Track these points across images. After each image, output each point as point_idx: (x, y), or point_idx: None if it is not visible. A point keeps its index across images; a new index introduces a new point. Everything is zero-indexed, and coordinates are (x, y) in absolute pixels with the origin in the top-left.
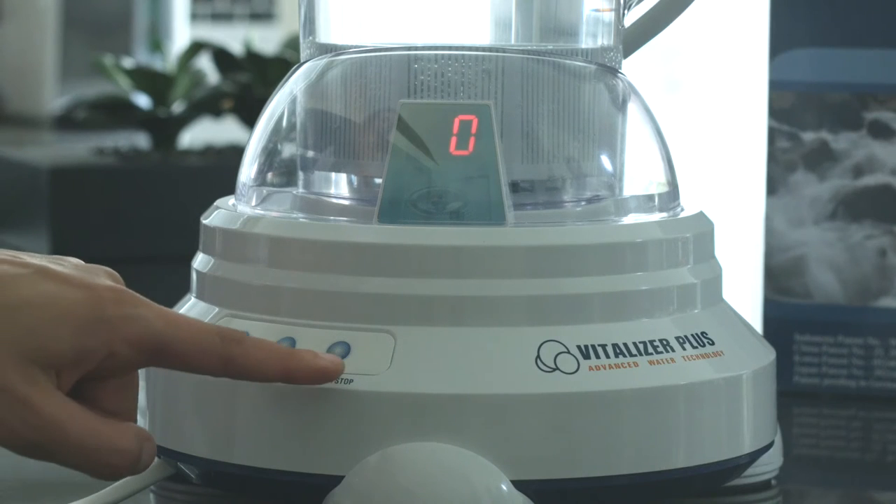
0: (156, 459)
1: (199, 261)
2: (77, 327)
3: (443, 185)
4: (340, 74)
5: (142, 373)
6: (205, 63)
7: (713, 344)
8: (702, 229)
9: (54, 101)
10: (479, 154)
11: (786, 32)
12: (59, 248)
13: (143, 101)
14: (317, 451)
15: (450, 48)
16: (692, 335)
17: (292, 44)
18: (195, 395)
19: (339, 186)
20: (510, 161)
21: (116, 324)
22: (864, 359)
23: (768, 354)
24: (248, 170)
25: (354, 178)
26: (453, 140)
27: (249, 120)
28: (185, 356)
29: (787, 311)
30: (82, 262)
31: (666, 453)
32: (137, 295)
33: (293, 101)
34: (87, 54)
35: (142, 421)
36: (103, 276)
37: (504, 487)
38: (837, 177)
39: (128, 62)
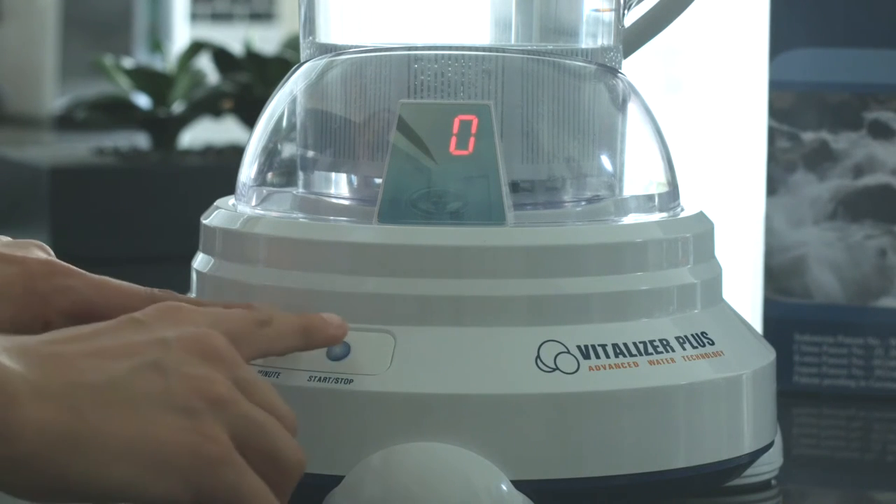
0: None
1: (199, 261)
2: (12, 302)
3: (443, 185)
4: (340, 74)
5: None
6: (205, 63)
7: (713, 344)
8: (702, 229)
9: (54, 101)
10: (479, 154)
11: (786, 32)
12: (59, 248)
13: (143, 101)
14: (317, 451)
15: (450, 48)
16: (692, 335)
17: (292, 44)
18: None
19: (339, 186)
20: (510, 161)
21: (49, 296)
22: (864, 359)
23: (768, 354)
24: (248, 170)
25: (354, 178)
26: (453, 140)
27: (249, 120)
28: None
29: (787, 311)
30: (11, 239)
31: (666, 453)
32: (68, 266)
33: (293, 101)
34: (87, 54)
35: None
36: (34, 250)
37: (504, 487)
38: (837, 177)
39: (128, 62)
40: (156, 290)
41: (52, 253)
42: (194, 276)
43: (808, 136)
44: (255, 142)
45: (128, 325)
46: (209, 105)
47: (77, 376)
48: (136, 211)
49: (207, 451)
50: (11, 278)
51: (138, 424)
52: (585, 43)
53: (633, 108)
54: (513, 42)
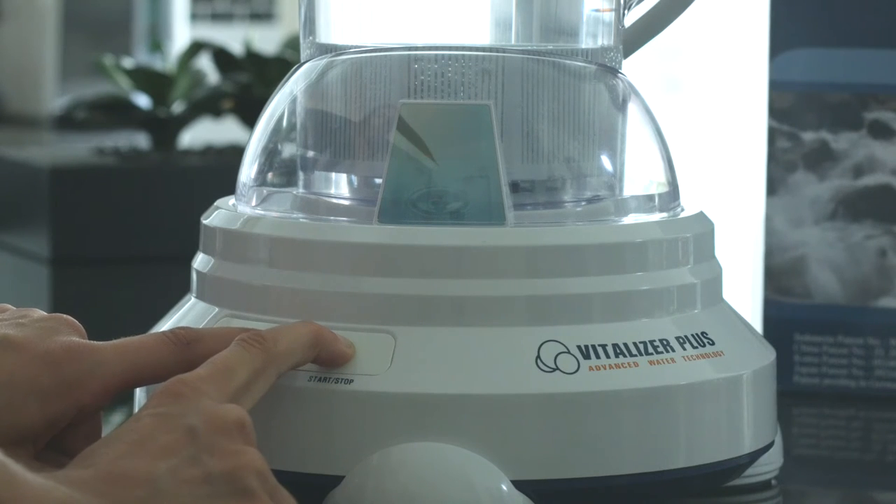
0: None
1: (199, 261)
2: (43, 398)
3: (443, 185)
4: (340, 74)
5: None
6: (205, 63)
7: (713, 344)
8: (702, 229)
9: (54, 101)
10: (479, 154)
11: (786, 32)
12: (58, 248)
13: (143, 101)
14: (317, 451)
15: (450, 48)
16: (692, 335)
17: (292, 44)
18: None
19: (339, 186)
20: (510, 161)
21: (79, 382)
22: (864, 359)
23: (768, 354)
24: (248, 170)
25: (354, 179)
26: (453, 140)
27: (249, 120)
28: (149, 378)
29: (787, 311)
30: (44, 315)
31: (666, 453)
32: (90, 343)
33: (293, 101)
34: (87, 54)
35: None
36: (62, 332)
37: (504, 487)
38: (837, 177)
39: (128, 62)
40: (177, 332)
41: (79, 327)
42: (194, 276)
43: (808, 136)
44: (255, 142)
45: (153, 424)
46: (209, 105)
47: (128, 494)
48: (136, 211)
49: None
50: (39, 372)
51: None
52: (585, 43)
53: (633, 108)
54: (513, 42)
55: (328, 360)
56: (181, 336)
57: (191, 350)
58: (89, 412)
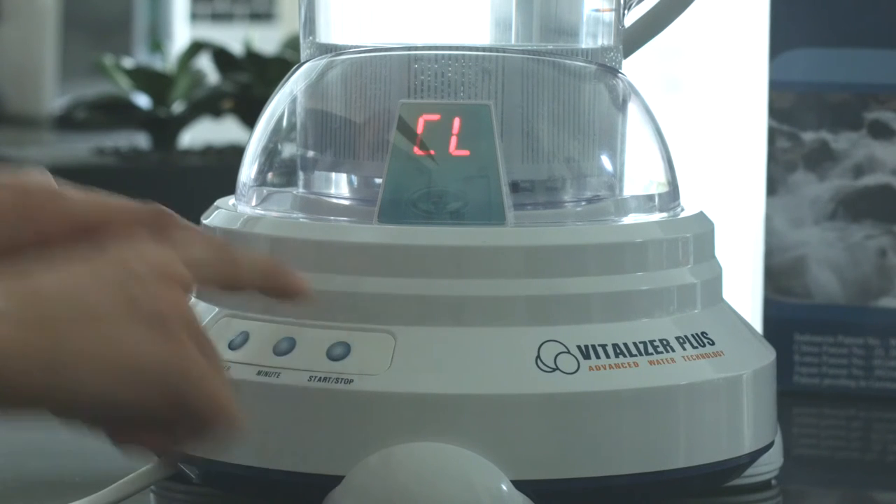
0: (156, 459)
1: None
2: (8, 225)
3: (443, 185)
4: (340, 74)
5: None
6: (205, 63)
7: (713, 344)
8: (702, 229)
9: (54, 101)
10: (479, 154)
11: (786, 32)
12: None
13: (143, 101)
14: (317, 451)
15: (450, 48)
16: (692, 335)
17: (292, 44)
18: None
19: (339, 186)
20: (510, 161)
21: (46, 218)
22: (864, 359)
23: (768, 354)
24: (248, 170)
25: (354, 178)
26: (453, 140)
27: (249, 120)
28: (115, 227)
29: (787, 311)
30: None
31: (666, 453)
32: (64, 187)
33: (293, 101)
34: (87, 54)
35: None
36: (32, 174)
37: (504, 487)
38: (837, 177)
39: (128, 62)
40: (152, 205)
41: (50, 177)
42: None
43: (808, 136)
44: (255, 142)
45: (91, 252)
46: (209, 105)
47: (42, 300)
48: None
49: (178, 360)
50: (6, 202)
51: (107, 338)
52: (585, 43)
53: (633, 108)
54: (513, 42)
55: (281, 293)
56: (154, 207)
57: (164, 222)
58: (51, 245)
